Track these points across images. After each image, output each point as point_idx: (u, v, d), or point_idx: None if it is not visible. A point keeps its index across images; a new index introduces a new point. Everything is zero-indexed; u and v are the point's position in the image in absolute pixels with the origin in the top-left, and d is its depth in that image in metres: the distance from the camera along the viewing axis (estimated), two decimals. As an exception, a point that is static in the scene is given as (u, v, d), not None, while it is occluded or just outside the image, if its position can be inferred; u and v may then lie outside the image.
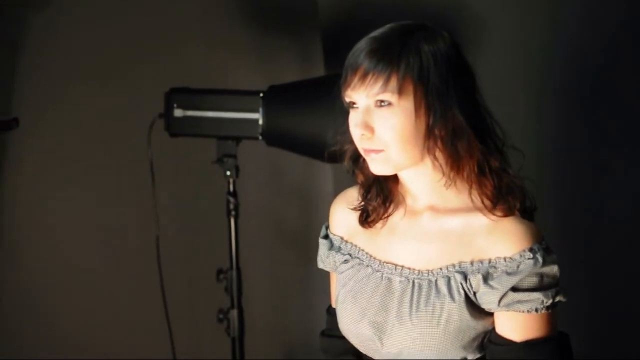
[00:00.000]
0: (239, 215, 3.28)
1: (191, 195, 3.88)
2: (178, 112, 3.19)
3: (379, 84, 1.77)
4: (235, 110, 3.14)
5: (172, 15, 3.74)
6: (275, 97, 3.10)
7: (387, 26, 1.85)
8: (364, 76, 1.79)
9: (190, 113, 3.19)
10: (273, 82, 3.27)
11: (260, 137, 3.11)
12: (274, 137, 3.10)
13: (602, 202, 2.86)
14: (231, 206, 3.26)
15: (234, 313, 3.28)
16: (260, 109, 3.08)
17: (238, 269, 3.28)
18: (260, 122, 3.08)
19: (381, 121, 1.79)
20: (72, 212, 3.63)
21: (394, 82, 1.77)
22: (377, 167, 1.84)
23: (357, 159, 1.93)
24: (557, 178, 2.94)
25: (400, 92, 1.77)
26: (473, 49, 2.96)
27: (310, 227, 3.99)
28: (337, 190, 3.79)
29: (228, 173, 3.23)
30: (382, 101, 1.79)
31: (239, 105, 3.13)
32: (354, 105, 1.84)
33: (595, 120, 2.86)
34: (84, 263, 3.68)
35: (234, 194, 3.25)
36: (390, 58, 1.78)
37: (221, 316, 3.30)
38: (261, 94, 3.09)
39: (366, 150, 1.84)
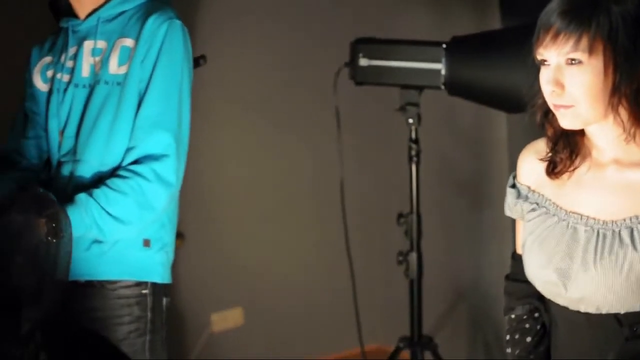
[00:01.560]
0: (420, 162, 3.39)
1: (374, 140, 4.02)
2: (363, 62, 3.32)
3: (571, 43, 1.87)
4: (419, 60, 3.24)
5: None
6: (458, 49, 3.18)
7: None
8: (556, 35, 1.88)
9: (375, 62, 3.31)
10: (449, 33, 3.35)
11: (442, 87, 3.20)
12: (456, 87, 3.19)
13: None
14: (413, 152, 3.38)
15: (414, 256, 3.42)
16: (443, 60, 3.17)
17: (419, 213, 3.41)
18: (443, 72, 3.18)
19: (571, 78, 1.89)
20: (259, 154, 3.86)
21: (585, 42, 1.86)
22: (567, 121, 1.94)
23: (547, 113, 2.02)
24: None
25: (591, 51, 1.86)
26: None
27: (483, 173, 4.14)
28: (511, 138, 3.89)
29: (410, 121, 3.34)
30: (573, 59, 1.88)
31: (422, 56, 3.23)
32: (545, 63, 1.93)
33: None
34: (270, 201, 3.93)
35: (416, 141, 3.37)
36: (581, 19, 1.86)
37: (400, 258, 3.44)
38: (444, 45, 3.18)
39: (556, 106, 1.93)
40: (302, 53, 3.84)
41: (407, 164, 3.42)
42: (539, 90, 1.99)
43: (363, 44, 3.34)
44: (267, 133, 3.88)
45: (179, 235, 3.45)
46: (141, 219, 2.39)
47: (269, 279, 4.00)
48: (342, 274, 3.74)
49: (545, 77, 1.94)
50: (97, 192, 2.33)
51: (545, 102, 1.99)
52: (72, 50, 2.49)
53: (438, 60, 3.18)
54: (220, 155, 3.78)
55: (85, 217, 2.30)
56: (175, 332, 3.44)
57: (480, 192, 4.17)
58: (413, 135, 3.37)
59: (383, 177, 4.04)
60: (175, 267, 2.61)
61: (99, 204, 2.32)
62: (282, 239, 4.01)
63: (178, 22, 2.45)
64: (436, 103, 3.66)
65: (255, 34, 3.77)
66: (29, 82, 2.55)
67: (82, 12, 2.50)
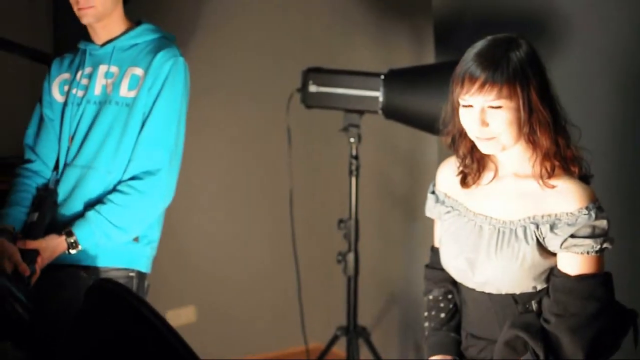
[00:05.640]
0: (359, 176, 3.73)
1: (320, 156, 4.31)
2: (313, 88, 3.68)
3: (495, 92, 2.26)
4: (360, 88, 3.59)
5: (310, 10, 4.27)
6: (394, 79, 3.53)
7: (485, 42, 2.33)
8: (482, 86, 2.27)
9: (322, 89, 3.67)
10: (388, 65, 3.67)
11: (380, 112, 3.56)
12: (391, 112, 3.54)
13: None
14: (353, 167, 3.71)
15: (351, 256, 3.75)
16: (381, 88, 3.52)
17: (356, 219, 3.74)
18: (381, 99, 3.53)
19: (494, 118, 2.29)
20: (221, 166, 4.15)
21: (505, 91, 2.27)
22: (489, 149, 2.35)
23: (459, 136, 2.43)
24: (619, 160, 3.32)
25: (509, 97, 2.27)
26: (559, 46, 3.35)
27: (416, 189, 4.42)
28: (441, 157, 4.19)
29: (352, 140, 3.70)
30: (496, 105, 2.28)
31: (363, 84, 3.58)
32: (469, 106, 2.32)
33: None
34: (226, 210, 4.18)
35: (356, 157, 3.71)
36: (501, 71, 2.26)
37: (340, 258, 3.77)
38: (382, 76, 3.54)
39: (479, 139, 2.34)
40: (261, 80, 4.12)
41: (347, 177, 3.73)
42: (451, 121, 2.40)
43: (313, 73, 3.68)
44: (229, 150, 4.13)
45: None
46: (141, 226, 2.83)
47: (221, 280, 4.20)
48: (289, 275, 3.98)
49: (471, 118, 2.31)
50: (104, 208, 2.76)
51: (455, 129, 2.40)
52: (87, 70, 2.88)
53: (377, 89, 3.52)
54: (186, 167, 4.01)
55: (96, 231, 2.74)
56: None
57: (413, 206, 4.39)
58: (354, 152, 3.70)
59: (327, 188, 4.29)
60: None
61: (106, 219, 2.75)
62: (235, 243, 4.21)
63: (181, 59, 2.86)
64: (377, 126, 3.98)
65: (227, 68, 4.03)
66: (47, 90, 2.94)
67: (98, 40, 2.90)
